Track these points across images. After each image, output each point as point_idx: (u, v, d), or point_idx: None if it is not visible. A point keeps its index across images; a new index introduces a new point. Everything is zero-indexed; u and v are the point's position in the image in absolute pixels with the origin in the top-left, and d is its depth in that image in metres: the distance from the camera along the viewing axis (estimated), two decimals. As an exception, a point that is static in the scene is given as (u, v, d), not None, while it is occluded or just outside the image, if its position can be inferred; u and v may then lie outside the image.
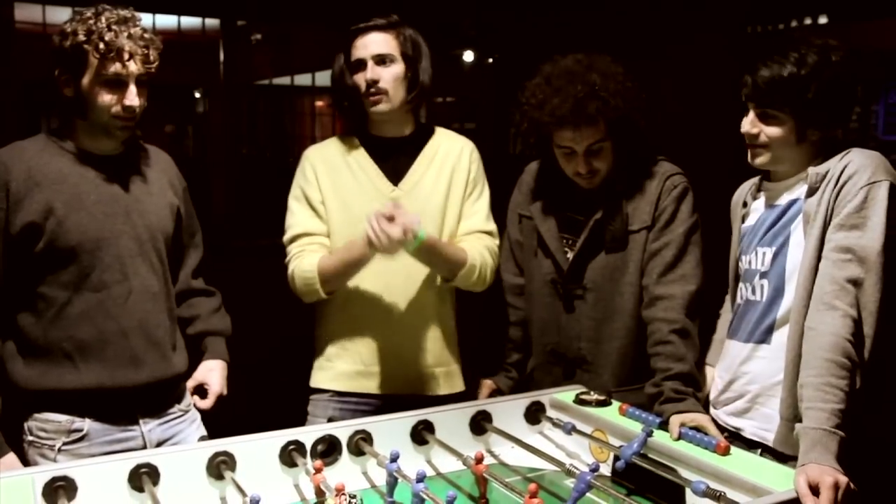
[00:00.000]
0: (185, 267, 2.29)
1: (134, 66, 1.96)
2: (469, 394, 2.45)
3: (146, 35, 1.99)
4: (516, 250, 2.47)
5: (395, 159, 2.39)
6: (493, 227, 2.44)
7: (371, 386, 2.36)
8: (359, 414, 2.31)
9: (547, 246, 2.33)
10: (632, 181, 2.24)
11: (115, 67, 1.94)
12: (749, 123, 1.97)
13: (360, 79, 2.33)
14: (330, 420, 2.24)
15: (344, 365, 2.38)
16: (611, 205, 2.23)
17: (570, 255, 2.29)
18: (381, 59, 2.31)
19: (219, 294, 2.39)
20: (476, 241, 2.38)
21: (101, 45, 1.92)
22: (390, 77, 2.31)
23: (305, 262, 2.31)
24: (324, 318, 2.43)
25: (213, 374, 2.29)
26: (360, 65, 2.33)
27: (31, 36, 4.75)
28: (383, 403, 2.34)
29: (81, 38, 1.93)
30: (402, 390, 2.36)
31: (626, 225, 2.22)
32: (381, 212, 2.10)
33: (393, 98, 2.32)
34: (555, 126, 2.17)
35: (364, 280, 2.32)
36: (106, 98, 1.96)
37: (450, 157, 2.42)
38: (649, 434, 1.84)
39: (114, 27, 1.94)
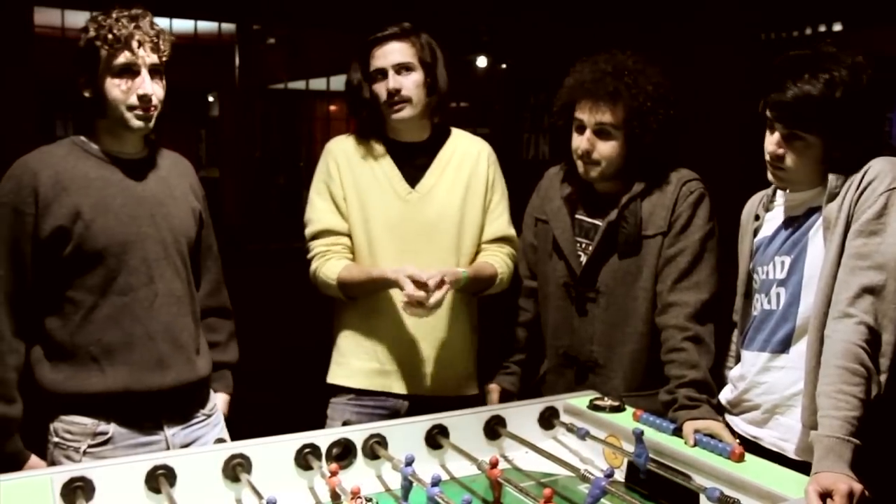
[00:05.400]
0: (203, 283, 2.26)
1: (144, 53, 1.98)
2: (482, 396, 2.47)
3: (156, 26, 2.02)
4: (529, 254, 2.48)
5: (412, 162, 2.42)
6: (513, 231, 2.49)
7: (387, 385, 2.39)
8: (375, 415, 2.35)
9: (561, 249, 2.34)
10: (648, 186, 2.24)
11: (126, 56, 1.96)
12: (775, 144, 1.92)
13: (381, 88, 2.35)
14: (345, 423, 2.25)
15: (360, 362, 2.40)
16: (625, 208, 2.24)
17: (583, 259, 2.30)
18: (402, 68, 2.34)
19: (232, 313, 2.36)
20: (498, 251, 2.45)
21: (110, 36, 1.95)
22: (412, 85, 2.34)
23: (329, 268, 2.35)
24: (342, 315, 2.45)
25: (225, 407, 2.30)
26: (380, 74, 2.35)
27: (49, 39, 4.80)
28: (399, 403, 2.38)
29: (92, 34, 1.97)
30: (417, 390, 2.39)
31: (639, 229, 2.23)
32: (415, 275, 2.17)
33: (416, 105, 2.36)
34: (575, 92, 2.22)
35: None
36: (119, 89, 1.97)
37: (467, 160, 2.45)
38: (641, 434, 1.82)
39: (122, 20, 1.97)
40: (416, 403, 2.36)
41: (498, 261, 2.43)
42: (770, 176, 1.98)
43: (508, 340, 2.50)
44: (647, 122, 2.18)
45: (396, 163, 2.41)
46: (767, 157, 1.95)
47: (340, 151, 2.43)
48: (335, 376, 2.44)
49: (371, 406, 2.39)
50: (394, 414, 2.36)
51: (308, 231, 2.42)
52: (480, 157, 2.46)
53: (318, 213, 2.41)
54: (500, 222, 2.47)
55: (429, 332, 2.37)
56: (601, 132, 2.20)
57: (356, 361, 2.41)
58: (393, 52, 2.34)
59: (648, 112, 2.18)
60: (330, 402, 2.44)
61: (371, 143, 2.43)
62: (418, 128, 2.43)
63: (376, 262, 2.36)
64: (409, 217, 2.37)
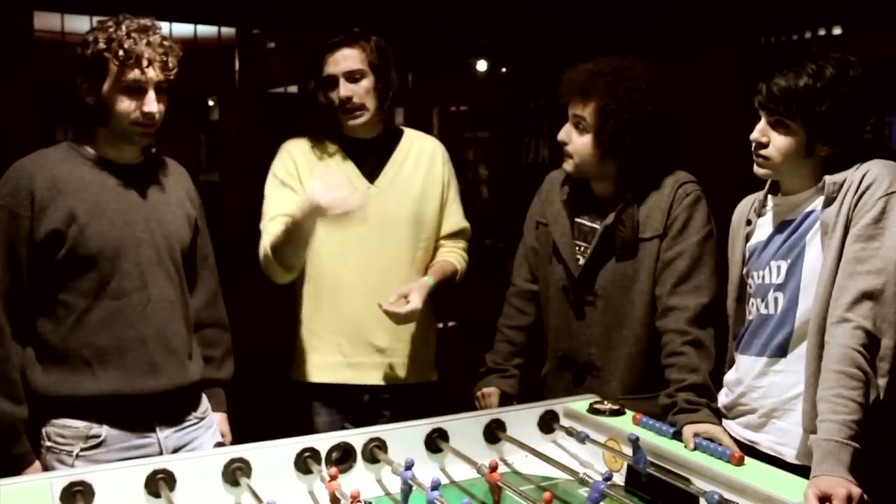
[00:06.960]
0: (199, 293, 2.26)
1: (153, 73, 1.99)
2: (441, 383, 2.60)
3: (165, 42, 2.02)
4: (531, 257, 2.49)
5: (369, 159, 2.51)
6: (467, 224, 2.63)
7: (351, 377, 2.46)
8: (344, 407, 2.47)
9: (560, 252, 2.34)
10: (644, 189, 2.24)
11: (135, 74, 1.98)
12: (759, 131, 1.96)
13: (334, 95, 2.43)
14: (343, 428, 2.26)
15: (321, 357, 2.48)
16: (622, 212, 2.24)
17: (581, 263, 2.30)
18: (352, 76, 2.42)
19: (229, 327, 2.35)
20: (454, 247, 2.60)
21: (121, 52, 1.96)
22: (362, 91, 2.43)
23: (264, 239, 2.37)
24: (301, 310, 2.51)
25: (225, 425, 2.32)
26: (332, 81, 2.42)
27: (50, 44, 4.79)
28: (361, 394, 2.48)
29: (102, 45, 1.97)
30: (380, 380, 2.48)
31: (636, 232, 2.23)
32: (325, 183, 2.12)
33: (371, 110, 2.45)
34: (560, 86, 2.27)
35: (340, 271, 2.44)
36: (125, 104, 1.99)
37: (423, 156, 2.55)
38: (636, 439, 1.83)
39: (133, 35, 1.97)
40: (381, 392, 2.47)
41: (456, 257, 2.57)
42: (755, 167, 2.00)
43: (506, 343, 2.51)
44: (620, 123, 2.17)
45: (353, 159, 2.49)
46: (753, 147, 1.98)
47: (298, 151, 2.50)
48: (297, 373, 2.51)
49: (336, 398, 2.47)
50: (359, 406, 2.46)
51: (262, 224, 2.43)
52: (435, 156, 2.57)
53: (273, 203, 2.42)
54: (457, 217, 2.61)
55: (389, 324, 2.39)
56: (578, 126, 2.24)
57: (316, 357, 2.48)
58: (343, 60, 2.42)
59: (616, 114, 2.16)
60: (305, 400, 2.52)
61: (327, 142, 2.50)
62: (371, 127, 2.51)
63: (337, 257, 2.43)
64: (369, 212, 2.39)
